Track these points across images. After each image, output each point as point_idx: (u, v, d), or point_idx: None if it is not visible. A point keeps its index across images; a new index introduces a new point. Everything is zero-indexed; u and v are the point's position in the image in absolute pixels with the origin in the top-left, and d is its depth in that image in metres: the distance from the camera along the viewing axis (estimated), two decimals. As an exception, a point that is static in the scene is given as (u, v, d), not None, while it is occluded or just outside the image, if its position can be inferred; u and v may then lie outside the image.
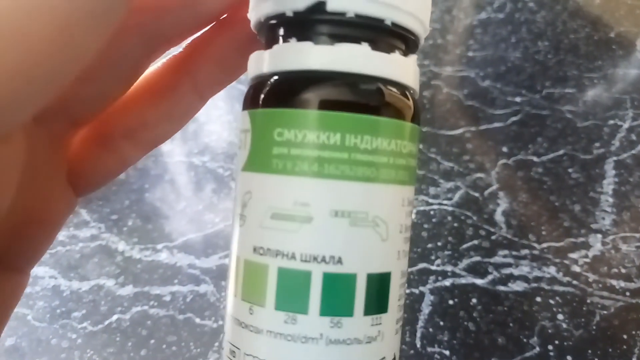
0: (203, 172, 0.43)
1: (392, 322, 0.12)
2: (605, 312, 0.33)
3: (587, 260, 0.36)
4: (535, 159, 0.42)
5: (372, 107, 0.11)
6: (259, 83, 0.12)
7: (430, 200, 0.39)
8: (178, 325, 0.33)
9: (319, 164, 0.11)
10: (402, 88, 0.12)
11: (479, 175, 0.41)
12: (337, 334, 0.11)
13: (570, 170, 0.42)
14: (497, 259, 0.36)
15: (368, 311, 0.11)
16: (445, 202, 0.39)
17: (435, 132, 0.44)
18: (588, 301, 0.34)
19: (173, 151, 0.44)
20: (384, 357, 0.12)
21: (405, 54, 0.12)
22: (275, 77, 0.12)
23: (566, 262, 0.36)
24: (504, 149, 0.43)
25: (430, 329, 0.32)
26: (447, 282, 0.35)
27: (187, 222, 0.39)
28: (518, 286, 0.34)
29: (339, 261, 0.11)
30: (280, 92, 0.11)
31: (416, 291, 0.34)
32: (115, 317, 0.33)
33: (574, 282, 0.35)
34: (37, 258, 0.13)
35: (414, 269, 0.35)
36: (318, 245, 0.11)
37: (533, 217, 0.39)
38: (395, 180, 0.12)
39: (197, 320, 0.33)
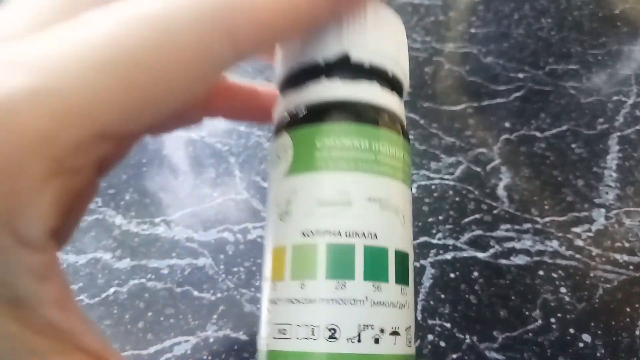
0: (201, 147, 0.42)
1: (412, 296, 0.14)
2: (608, 285, 0.33)
3: (590, 234, 0.35)
4: (538, 134, 0.42)
5: (377, 122, 0.15)
6: (293, 112, 0.15)
7: (432, 175, 0.39)
8: (176, 297, 0.33)
9: (354, 162, 0.14)
10: (395, 116, 0.16)
11: (481, 150, 0.41)
12: (379, 297, 0.13)
13: (573, 145, 0.41)
14: (499, 233, 0.35)
15: (398, 280, 0.14)
16: (446, 176, 0.39)
17: (437, 108, 0.44)
18: (591, 275, 0.33)
19: (171, 126, 0.43)
20: (410, 326, 0.14)
21: (400, 95, 0.17)
22: (311, 105, 0.15)
23: (569, 236, 0.35)
24: (507, 125, 0.43)
25: (432, 302, 0.32)
26: (449, 256, 0.34)
27: (185, 196, 0.38)
28: (520, 260, 0.34)
29: (375, 236, 0.13)
30: (318, 113, 0.15)
31: (417, 264, 0.34)
32: (112, 289, 0.33)
33: (577, 255, 0.34)
34: None
35: (415, 242, 0.35)
36: (358, 223, 0.13)
37: (535, 191, 0.38)
38: (404, 180, 0.15)
39: (195, 292, 0.33)
